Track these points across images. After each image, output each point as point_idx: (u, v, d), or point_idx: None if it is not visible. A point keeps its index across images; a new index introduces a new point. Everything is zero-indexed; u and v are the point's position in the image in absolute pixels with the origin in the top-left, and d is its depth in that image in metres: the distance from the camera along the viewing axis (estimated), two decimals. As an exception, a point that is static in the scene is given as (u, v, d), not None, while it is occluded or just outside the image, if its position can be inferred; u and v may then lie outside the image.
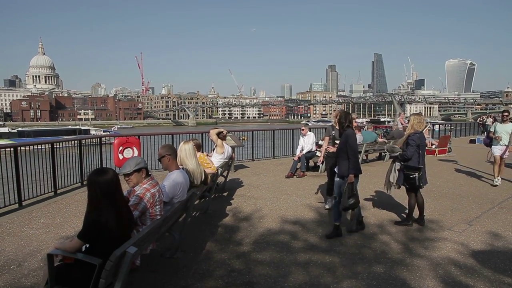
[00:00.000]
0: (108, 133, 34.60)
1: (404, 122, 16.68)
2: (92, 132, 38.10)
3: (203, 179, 4.93)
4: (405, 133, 5.49)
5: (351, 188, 4.67)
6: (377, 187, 7.50)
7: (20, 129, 40.68)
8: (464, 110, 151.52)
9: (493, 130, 8.32)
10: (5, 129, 40.18)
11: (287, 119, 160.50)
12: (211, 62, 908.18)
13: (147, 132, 11.84)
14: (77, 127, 45.55)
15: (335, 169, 5.04)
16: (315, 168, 9.62)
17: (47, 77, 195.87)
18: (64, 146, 8.29)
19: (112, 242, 2.63)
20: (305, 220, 5.50)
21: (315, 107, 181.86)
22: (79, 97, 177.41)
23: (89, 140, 9.25)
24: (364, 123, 17.19)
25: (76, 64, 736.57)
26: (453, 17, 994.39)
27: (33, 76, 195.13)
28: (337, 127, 6.00)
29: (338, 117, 5.22)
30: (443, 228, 5.17)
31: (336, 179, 4.95)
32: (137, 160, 3.50)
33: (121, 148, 9.02)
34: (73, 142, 8.77)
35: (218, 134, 6.68)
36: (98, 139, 9.59)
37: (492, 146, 8.28)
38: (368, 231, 5.03)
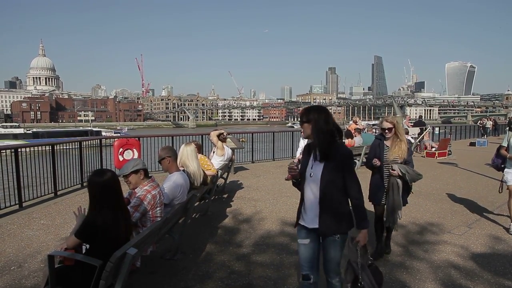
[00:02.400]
0: (119, 134, 34.68)
1: (410, 124, 16.69)
2: (104, 133, 38.18)
3: (202, 180, 4.94)
4: (400, 139, 4.11)
5: (365, 251, 2.81)
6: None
7: (34, 130, 40.97)
8: (464, 113, 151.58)
9: (505, 145, 5.23)
10: (20, 130, 40.71)
11: (287, 121, 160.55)
12: (211, 64, 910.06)
13: (147, 134, 11.85)
14: (89, 128, 45.99)
15: (309, 226, 2.68)
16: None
17: (47, 79, 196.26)
18: (74, 147, 8.34)
19: (110, 243, 2.65)
20: (305, 222, 5.49)
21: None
22: (79, 98, 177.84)
23: (98, 141, 9.30)
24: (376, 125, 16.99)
25: (77, 66, 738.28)
26: (453, 19, 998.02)
27: (33, 77, 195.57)
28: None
29: (314, 120, 2.49)
30: (443, 231, 5.17)
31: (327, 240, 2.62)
32: (135, 161, 3.54)
33: (121, 149, 9.04)
34: (86, 142, 8.84)
35: (219, 136, 6.69)
36: (99, 140, 9.60)
37: (506, 170, 5.26)
38: (368, 233, 5.02)
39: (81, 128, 50.19)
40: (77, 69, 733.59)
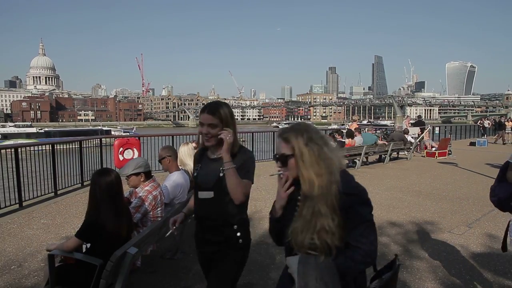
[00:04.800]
0: (128, 133, 34.76)
1: (409, 125, 16.67)
2: (113, 132, 38.25)
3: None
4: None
5: None
6: (376, 189, 7.51)
7: (46, 129, 41.34)
8: (465, 113, 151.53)
9: None
10: (33, 129, 41.03)
11: (287, 121, 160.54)
12: (212, 63, 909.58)
13: (147, 133, 11.86)
14: (99, 127, 46.42)
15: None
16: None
17: (47, 78, 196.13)
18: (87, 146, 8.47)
19: (111, 243, 2.65)
20: (305, 221, 5.49)
21: (315, 109, 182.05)
22: (79, 98, 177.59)
23: (98, 141, 9.38)
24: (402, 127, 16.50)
25: (77, 65, 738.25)
26: (453, 19, 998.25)
27: (33, 77, 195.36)
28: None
29: None
30: (442, 230, 5.17)
31: None
32: (138, 162, 3.50)
33: (121, 149, 9.04)
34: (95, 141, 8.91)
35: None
36: (99, 140, 9.63)
37: None
38: None
39: (90, 127, 51.81)
40: (77, 68, 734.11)
